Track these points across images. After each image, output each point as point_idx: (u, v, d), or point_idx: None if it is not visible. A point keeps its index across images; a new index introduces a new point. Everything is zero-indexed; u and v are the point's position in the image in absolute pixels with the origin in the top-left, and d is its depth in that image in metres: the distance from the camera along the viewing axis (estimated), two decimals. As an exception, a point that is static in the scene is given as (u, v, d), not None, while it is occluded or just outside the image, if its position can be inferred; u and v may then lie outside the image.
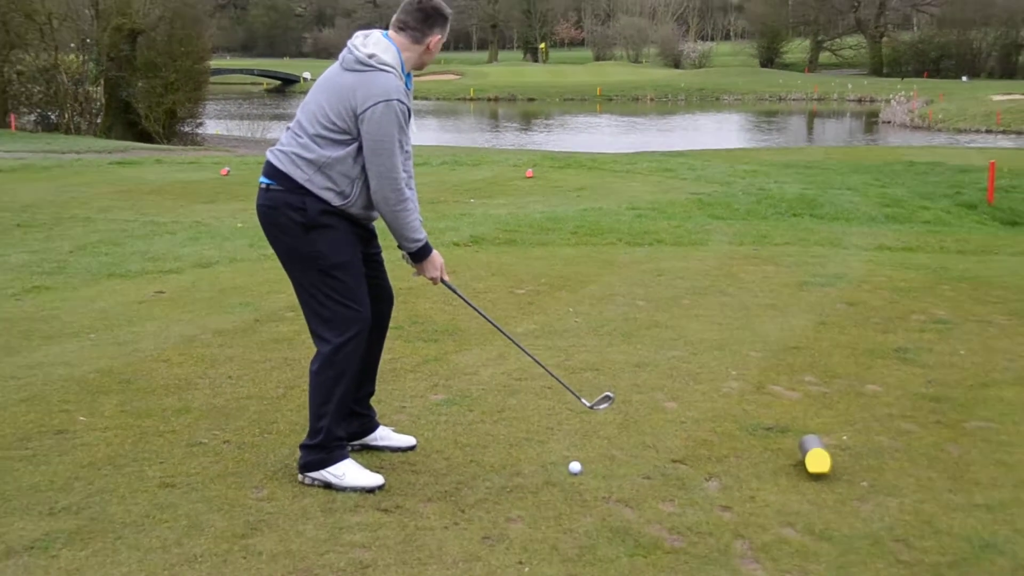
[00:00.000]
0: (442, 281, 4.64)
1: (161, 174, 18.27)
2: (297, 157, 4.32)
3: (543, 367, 4.85)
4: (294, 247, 4.39)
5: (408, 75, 4.46)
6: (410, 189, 4.51)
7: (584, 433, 5.09)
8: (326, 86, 4.37)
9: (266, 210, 4.41)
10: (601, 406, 4.62)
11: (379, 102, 4.20)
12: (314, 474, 4.41)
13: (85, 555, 3.76)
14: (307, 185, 4.30)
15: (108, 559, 3.73)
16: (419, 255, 4.52)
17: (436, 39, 4.45)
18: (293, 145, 4.35)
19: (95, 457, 4.69)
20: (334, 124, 4.27)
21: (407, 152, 4.48)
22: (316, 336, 4.47)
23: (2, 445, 4.83)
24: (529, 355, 4.89)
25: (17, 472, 4.51)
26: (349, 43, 4.38)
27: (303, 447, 4.46)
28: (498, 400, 5.54)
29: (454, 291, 4.74)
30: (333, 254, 4.36)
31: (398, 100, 4.24)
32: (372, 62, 4.27)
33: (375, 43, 4.32)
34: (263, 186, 4.42)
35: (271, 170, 4.39)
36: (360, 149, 4.29)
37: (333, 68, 4.42)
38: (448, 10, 4.49)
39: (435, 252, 4.57)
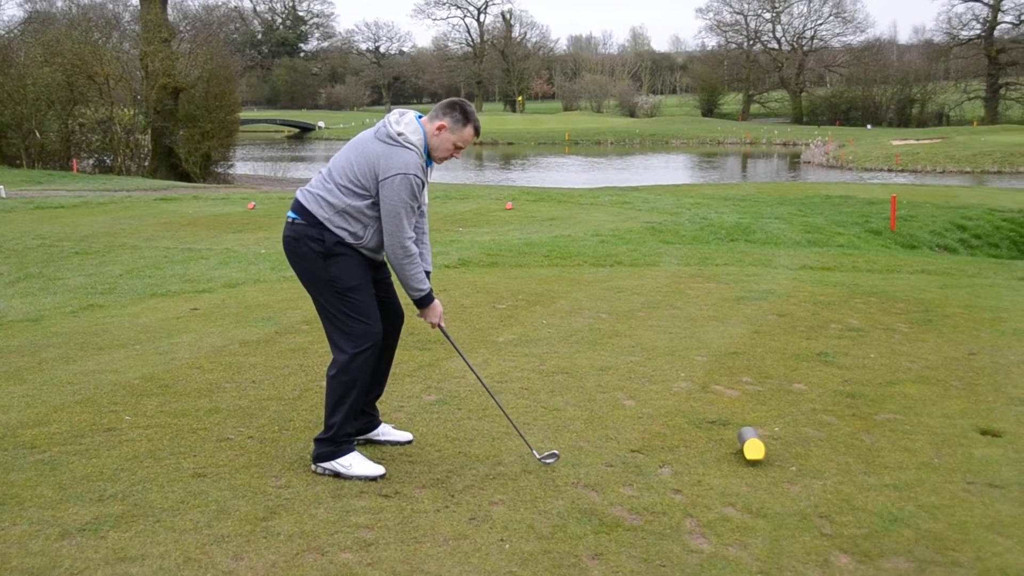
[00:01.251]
0: (439, 327, 4.58)
1: (197, 208, 18.16)
2: (322, 199, 4.33)
3: (507, 416, 4.73)
4: (314, 272, 4.37)
5: (429, 160, 4.43)
6: (422, 244, 4.61)
7: (556, 428, 5.03)
8: (359, 148, 4.36)
9: (290, 240, 4.40)
10: (548, 460, 4.53)
11: (398, 174, 4.21)
12: (325, 464, 4.36)
13: (129, 536, 3.70)
14: (326, 222, 4.31)
15: (149, 539, 3.67)
16: (421, 303, 4.47)
17: (438, 124, 4.35)
18: (320, 188, 4.37)
19: (138, 451, 4.62)
20: (358, 181, 4.28)
21: (422, 211, 4.56)
22: (334, 346, 4.43)
23: (59, 441, 4.76)
24: (496, 402, 4.79)
25: (72, 464, 4.45)
26: (386, 117, 4.39)
27: (317, 440, 4.42)
28: (483, 400, 5.47)
29: (447, 337, 4.66)
30: (347, 278, 4.34)
31: (415, 175, 4.25)
32: (400, 140, 4.28)
33: (407, 124, 4.33)
34: (289, 220, 4.42)
35: (297, 206, 4.40)
36: (376, 203, 4.28)
37: (367, 133, 4.40)
38: (474, 117, 4.42)
39: (436, 302, 4.52)
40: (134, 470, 4.38)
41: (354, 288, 4.36)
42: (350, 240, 4.32)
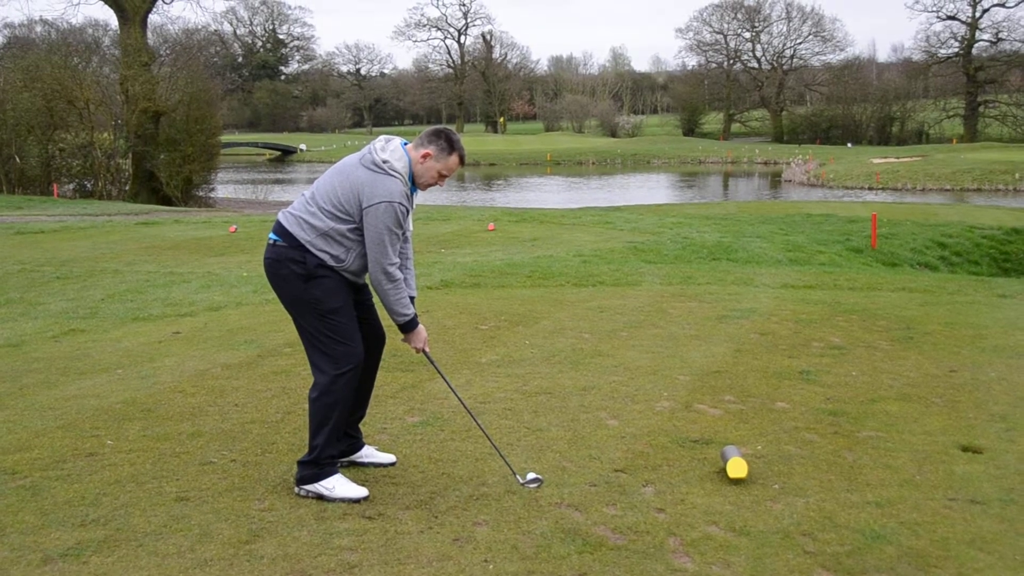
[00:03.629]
0: (423, 352, 4.59)
1: (179, 232, 18.13)
2: (304, 222, 4.35)
3: (490, 440, 4.77)
4: (295, 294, 4.38)
5: (414, 187, 4.46)
6: (406, 270, 4.62)
7: (539, 448, 5.04)
8: (344, 174, 4.37)
9: (272, 262, 4.42)
10: (531, 485, 4.54)
11: (382, 202, 4.24)
12: (308, 487, 4.36)
13: (111, 561, 3.69)
14: (308, 245, 4.32)
15: (131, 564, 3.67)
16: (405, 328, 4.50)
17: (423, 152, 4.39)
18: (303, 211, 4.38)
19: (120, 475, 4.61)
20: (341, 206, 4.31)
21: (406, 236, 4.57)
22: (316, 368, 4.43)
23: (41, 466, 4.75)
24: (479, 425, 4.83)
25: (54, 489, 4.43)
26: (372, 144, 4.42)
27: (300, 463, 4.41)
28: (466, 421, 5.48)
29: (431, 362, 4.68)
30: (329, 300, 4.36)
31: (399, 203, 4.27)
32: (385, 167, 4.30)
33: (392, 151, 4.36)
34: (271, 242, 4.43)
35: (279, 228, 4.41)
36: (359, 228, 4.31)
37: (352, 159, 4.42)
38: (459, 145, 4.46)
39: (420, 327, 4.54)
40: (116, 495, 4.36)
41: (336, 310, 4.37)
42: (332, 263, 4.34)
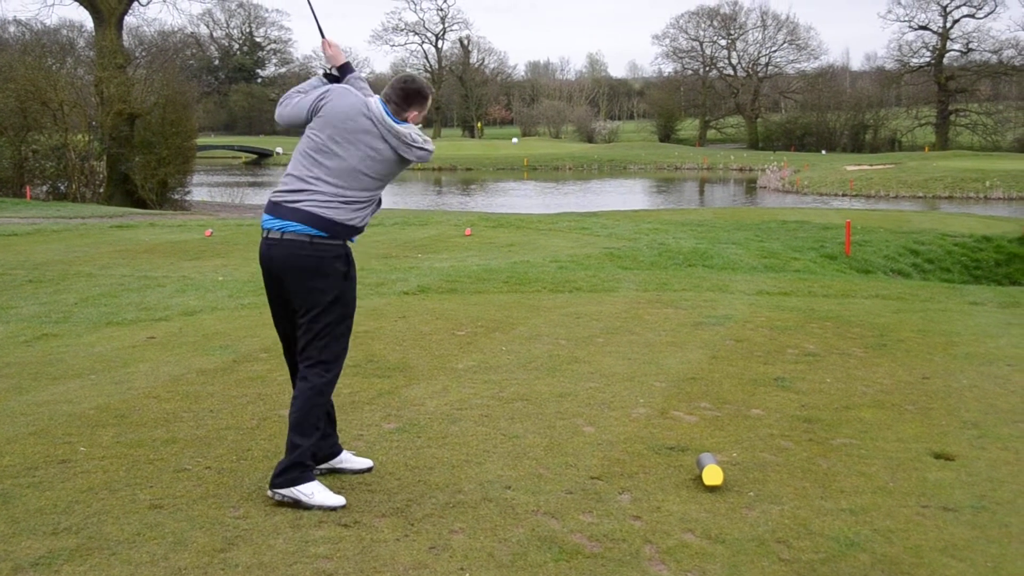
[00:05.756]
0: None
1: (154, 235, 18.00)
2: (343, 207, 4.38)
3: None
4: (332, 293, 4.36)
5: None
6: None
7: (516, 455, 5.03)
8: (368, 155, 4.40)
9: (312, 260, 4.31)
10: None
11: (427, 145, 4.51)
12: (285, 491, 4.29)
13: (84, 570, 3.65)
14: (346, 232, 4.38)
15: (104, 573, 3.62)
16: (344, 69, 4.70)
17: (414, 115, 4.50)
18: (335, 201, 4.35)
19: (93, 483, 4.56)
20: (380, 178, 4.50)
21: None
22: (321, 365, 4.39)
23: (12, 473, 4.69)
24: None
25: (25, 497, 4.37)
26: (412, 141, 4.45)
27: (281, 466, 4.33)
28: (442, 428, 5.47)
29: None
30: (353, 302, 4.48)
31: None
32: (406, 128, 4.45)
33: (420, 136, 4.49)
34: (307, 237, 4.30)
35: (321, 223, 4.31)
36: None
37: (362, 128, 4.39)
38: (428, 90, 4.55)
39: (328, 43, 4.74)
40: (89, 502, 4.32)
41: (352, 313, 4.49)
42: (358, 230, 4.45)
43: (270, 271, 4.43)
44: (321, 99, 4.43)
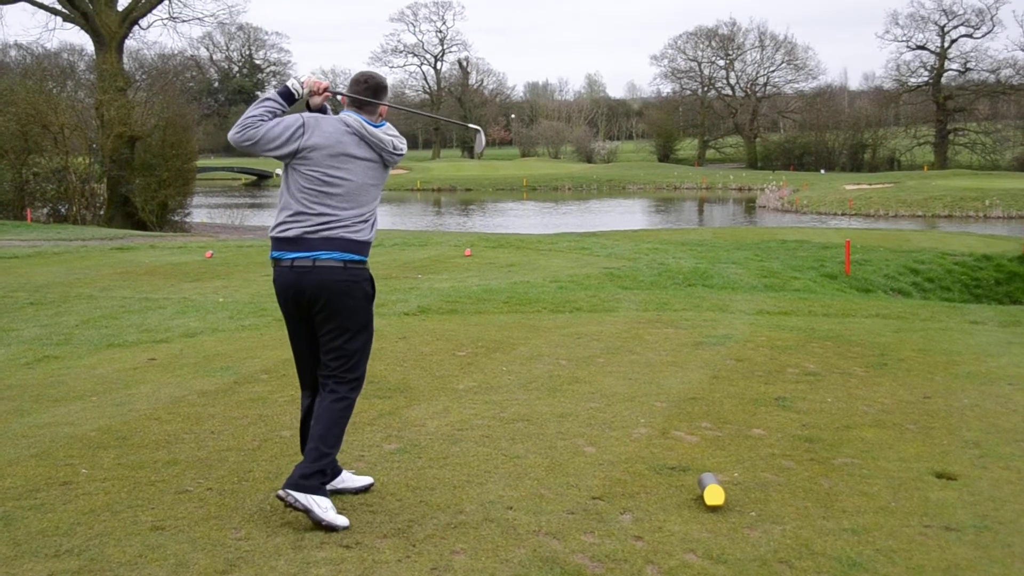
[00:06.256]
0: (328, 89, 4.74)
1: (154, 257, 18.04)
2: (367, 230, 4.53)
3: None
4: (361, 317, 4.50)
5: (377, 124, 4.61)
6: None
7: (517, 476, 5.03)
8: (364, 170, 4.53)
9: (347, 284, 4.43)
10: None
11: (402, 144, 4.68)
12: (302, 497, 4.25)
13: (85, 593, 3.64)
14: (368, 257, 4.56)
15: (105, 596, 3.62)
16: (287, 94, 4.63)
17: (384, 107, 4.69)
18: (358, 223, 4.49)
19: (95, 505, 4.56)
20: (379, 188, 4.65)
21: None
22: (352, 382, 4.54)
23: (14, 496, 4.69)
24: None
25: (27, 519, 4.37)
26: (390, 142, 4.58)
27: (307, 473, 4.31)
28: (443, 448, 5.47)
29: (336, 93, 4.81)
30: (373, 323, 4.62)
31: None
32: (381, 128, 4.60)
33: (394, 135, 4.61)
34: (341, 263, 4.41)
35: (353, 246, 4.45)
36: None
37: (365, 158, 4.53)
38: (386, 80, 4.74)
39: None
40: (91, 524, 4.32)
41: (373, 334, 4.66)
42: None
43: (299, 297, 4.46)
44: (300, 134, 4.46)
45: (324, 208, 4.42)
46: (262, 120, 4.46)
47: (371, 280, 4.56)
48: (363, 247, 4.48)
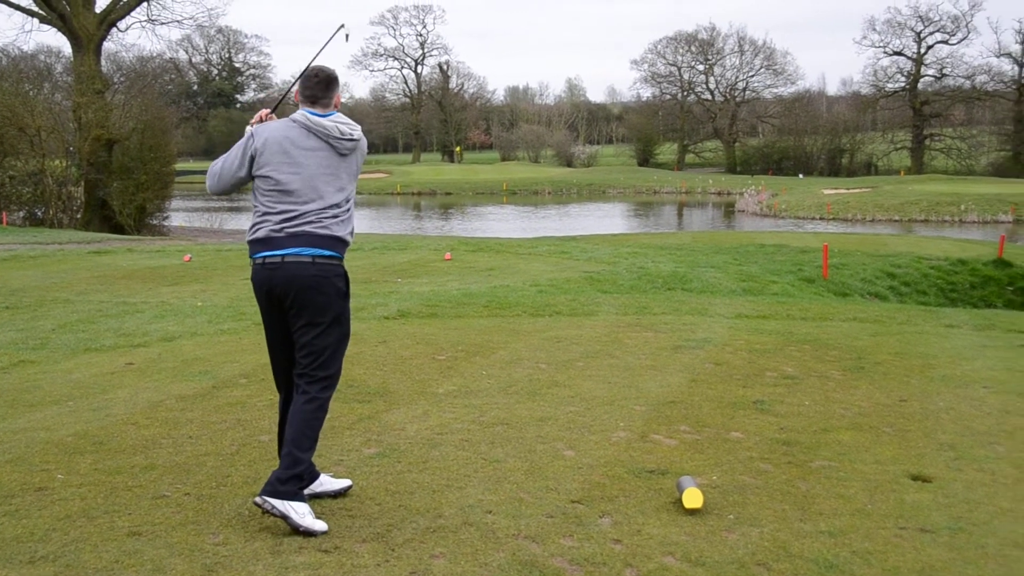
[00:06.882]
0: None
1: (132, 261, 17.94)
2: (340, 226, 4.54)
3: None
4: (331, 312, 4.48)
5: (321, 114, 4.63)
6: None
7: (496, 479, 5.04)
8: (331, 162, 4.56)
9: (318, 280, 4.43)
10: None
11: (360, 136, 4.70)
12: (279, 504, 4.25)
13: (61, 599, 3.61)
14: (344, 250, 4.56)
15: (82, 602, 3.59)
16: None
17: (338, 97, 4.71)
18: (331, 219, 4.51)
19: (71, 511, 4.53)
20: (352, 182, 4.66)
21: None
22: (322, 381, 4.50)
23: (-12, 502, 4.65)
24: None
25: (1, 525, 4.34)
26: (334, 127, 4.56)
27: (283, 478, 4.30)
28: (422, 452, 5.47)
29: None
30: (349, 320, 4.62)
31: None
32: (339, 120, 4.61)
33: (344, 122, 4.59)
34: (309, 258, 4.43)
35: (325, 241, 4.46)
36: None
37: (308, 153, 4.54)
38: (336, 72, 4.73)
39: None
40: (67, 530, 4.29)
41: (349, 332, 4.64)
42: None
43: (271, 294, 4.51)
44: (251, 145, 4.56)
45: (285, 206, 4.49)
46: (223, 159, 4.66)
47: (344, 276, 4.54)
48: (333, 242, 4.48)
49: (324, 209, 4.48)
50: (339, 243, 4.50)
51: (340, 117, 4.61)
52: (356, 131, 4.61)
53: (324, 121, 4.53)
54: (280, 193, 4.49)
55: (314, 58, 4.77)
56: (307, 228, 4.44)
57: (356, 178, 4.68)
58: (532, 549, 4.13)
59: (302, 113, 4.56)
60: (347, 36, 5.15)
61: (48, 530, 4.29)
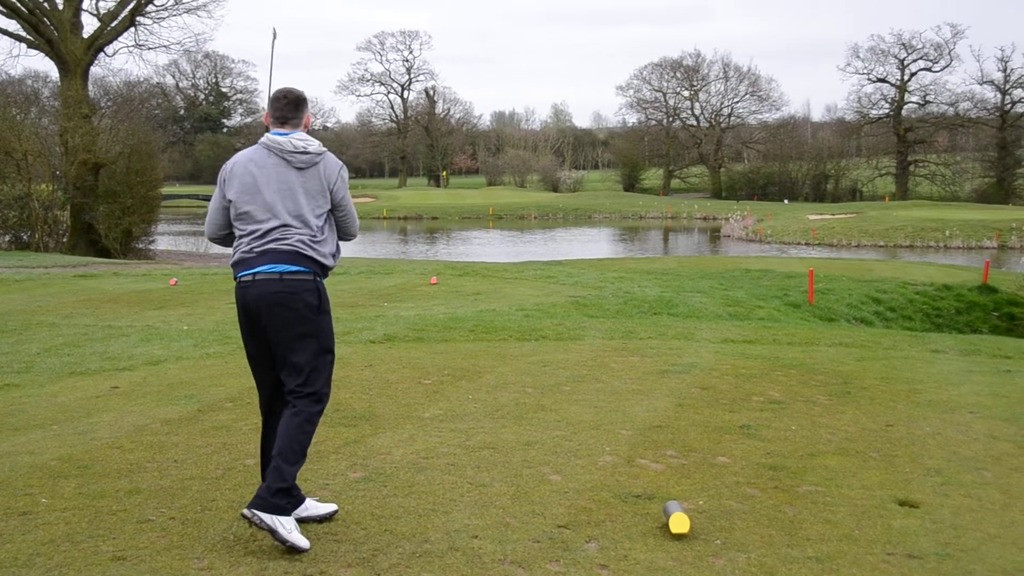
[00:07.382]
0: None
1: (118, 285, 17.87)
2: (312, 244, 4.55)
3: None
4: (303, 328, 4.50)
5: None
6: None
7: (482, 504, 5.02)
8: (289, 180, 4.58)
9: (285, 296, 4.47)
10: None
11: (342, 167, 4.71)
12: (267, 518, 4.24)
13: (43, 625, 3.58)
14: (322, 266, 4.58)
15: (64, 628, 3.55)
16: None
17: (308, 117, 4.77)
18: (305, 235, 4.55)
19: (55, 535, 4.50)
20: (324, 202, 4.63)
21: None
22: (308, 396, 4.52)
23: (-30, 526, 4.61)
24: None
25: (-17, 551, 4.30)
26: (288, 142, 4.60)
27: (271, 491, 4.30)
28: (408, 476, 5.45)
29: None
30: (331, 336, 4.62)
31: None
32: (313, 145, 4.64)
33: (299, 138, 4.62)
34: (276, 275, 4.47)
35: (288, 258, 4.49)
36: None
37: (271, 171, 4.59)
38: (304, 93, 4.80)
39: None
40: (50, 555, 4.25)
41: (333, 349, 4.65)
42: (333, 264, 4.66)
43: (247, 312, 4.55)
44: (222, 175, 4.70)
45: (252, 226, 4.57)
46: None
47: (317, 291, 4.54)
48: (301, 259, 4.51)
49: (286, 226, 4.53)
50: (308, 260, 4.52)
51: (299, 134, 4.65)
52: (311, 145, 4.63)
53: (279, 138, 4.60)
54: (247, 215, 4.59)
55: (270, 69, 4.85)
56: (272, 245, 4.51)
57: (328, 197, 4.66)
58: (518, 574, 4.11)
59: (266, 135, 4.65)
60: (275, 32, 5.27)
61: (32, 555, 4.25)
